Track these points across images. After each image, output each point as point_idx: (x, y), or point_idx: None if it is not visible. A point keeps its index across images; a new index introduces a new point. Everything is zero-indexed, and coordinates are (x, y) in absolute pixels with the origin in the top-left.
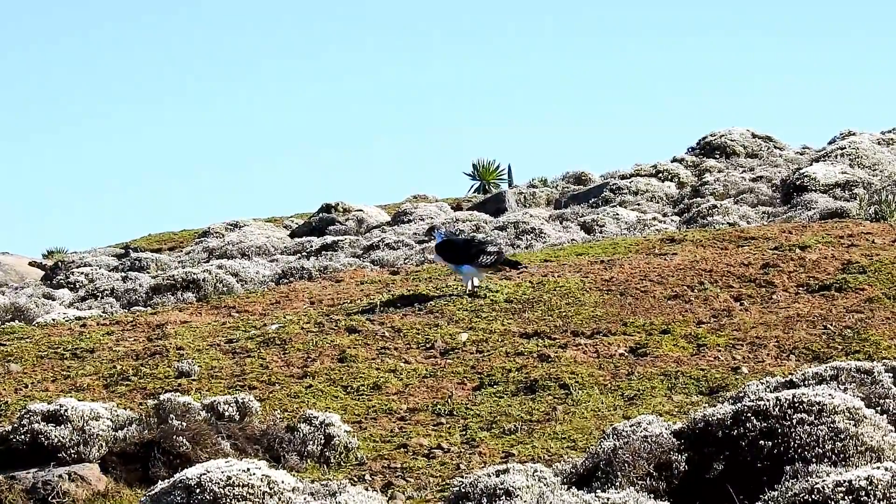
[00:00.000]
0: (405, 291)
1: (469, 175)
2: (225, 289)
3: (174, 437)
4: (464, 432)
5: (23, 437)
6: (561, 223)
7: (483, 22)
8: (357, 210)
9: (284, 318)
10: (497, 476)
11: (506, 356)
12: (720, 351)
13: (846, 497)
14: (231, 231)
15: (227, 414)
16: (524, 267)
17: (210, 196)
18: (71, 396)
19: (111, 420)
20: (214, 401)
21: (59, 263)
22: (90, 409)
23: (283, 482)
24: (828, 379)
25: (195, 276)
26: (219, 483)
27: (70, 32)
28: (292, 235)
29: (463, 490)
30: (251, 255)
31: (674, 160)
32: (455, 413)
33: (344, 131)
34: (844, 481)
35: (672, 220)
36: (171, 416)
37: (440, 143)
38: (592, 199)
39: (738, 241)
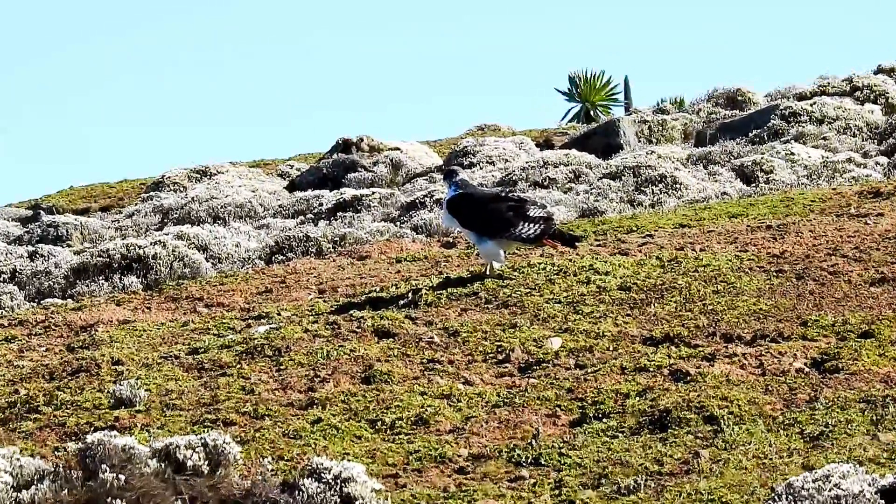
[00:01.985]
0: (465, 273)
1: (564, 94)
2: (187, 270)
3: (109, 499)
4: (556, 492)
5: None
6: (705, 167)
7: None
8: (392, 149)
9: (279, 315)
10: None
11: (620, 373)
12: None
13: None
14: (198, 182)
15: (190, 464)
16: (579, 242)
17: (168, 136)
18: None
19: (11, 475)
20: (171, 444)
21: None
22: None
23: None
24: None
25: (141, 252)
26: None
27: None
28: (292, 188)
29: None
30: (228, 218)
31: (879, 70)
32: (543, 462)
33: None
34: None
35: (877, 164)
36: (104, 466)
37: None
38: (754, 131)
39: None
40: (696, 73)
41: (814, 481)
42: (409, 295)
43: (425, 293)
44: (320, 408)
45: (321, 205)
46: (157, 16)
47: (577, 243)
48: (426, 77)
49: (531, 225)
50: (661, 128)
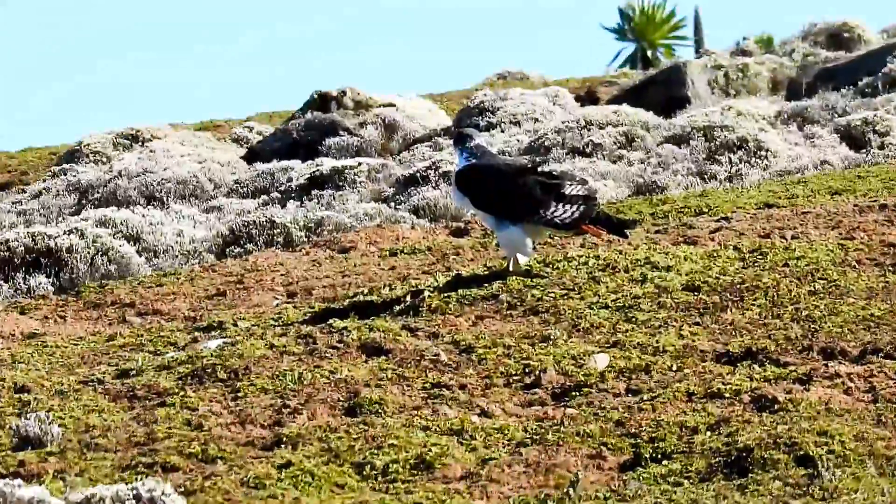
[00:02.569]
0: (481, 270)
1: (612, 31)
2: (114, 268)
3: None
4: None
5: None
6: (800, 128)
7: None
8: (384, 105)
9: (236, 326)
10: None
11: (686, 401)
12: None
13: None
14: (127, 150)
15: None
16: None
17: (86, 90)
18: None
19: None
20: (93, 496)
21: None
22: None
23: None
24: None
25: (52, 244)
26: None
27: None
28: (252, 158)
29: None
30: (167, 198)
31: None
32: None
33: None
34: None
35: None
36: None
37: None
38: (865, 79)
39: None
40: (786, 4)
41: None
42: (408, 298)
43: (429, 296)
44: (290, 448)
45: (290, 180)
46: None
47: (628, 230)
48: (429, 14)
49: (567, 206)
50: (741, 75)
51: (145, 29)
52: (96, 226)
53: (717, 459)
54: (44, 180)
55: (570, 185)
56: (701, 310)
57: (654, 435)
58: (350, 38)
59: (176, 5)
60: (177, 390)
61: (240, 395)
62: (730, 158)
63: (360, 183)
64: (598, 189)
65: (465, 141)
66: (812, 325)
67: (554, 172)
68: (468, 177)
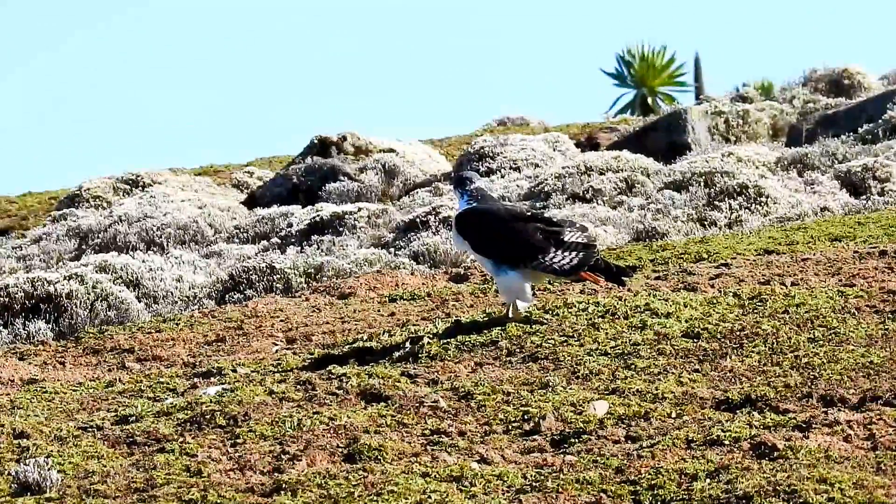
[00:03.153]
0: (480, 316)
1: (613, 77)
2: (113, 314)
3: None
4: None
5: None
6: (800, 174)
7: None
8: (384, 150)
9: (235, 372)
10: None
11: (686, 448)
12: None
13: None
14: (127, 195)
15: None
16: (633, 274)
17: (88, 136)
18: None
19: None
20: None
21: None
22: None
23: None
24: None
25: (52, 289)
26: None
27: None
28: (252, 203)
29: None
30: (167, 243)
31: None
32: None
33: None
34: None
35: None
36: None
37: (545, 21)
38: (866, 125)
39: None
40: (785, 50)
41: None
42: (407, 345)
43: (428, 342)
44: (289, 494)
45: (290, 225)
46: None
47: (626, 278)
48: (428, 59)
49: (567, 252)
50: (741, 121)
51: (143, 72)
52: (96, 271)
53: None
54: (44, 225)
55: (570, 231)
56: (700, 357)
57: (653, 482)
58: (350, 81)
59: (172, 49)
60: (176, 436)
61: (239, 441)
62: (730, 205)
63: (360, 228)
64: (597, 236)
65: (465, 184)
66: (811, 373)
67: (554, 219)
68: (468, 220)
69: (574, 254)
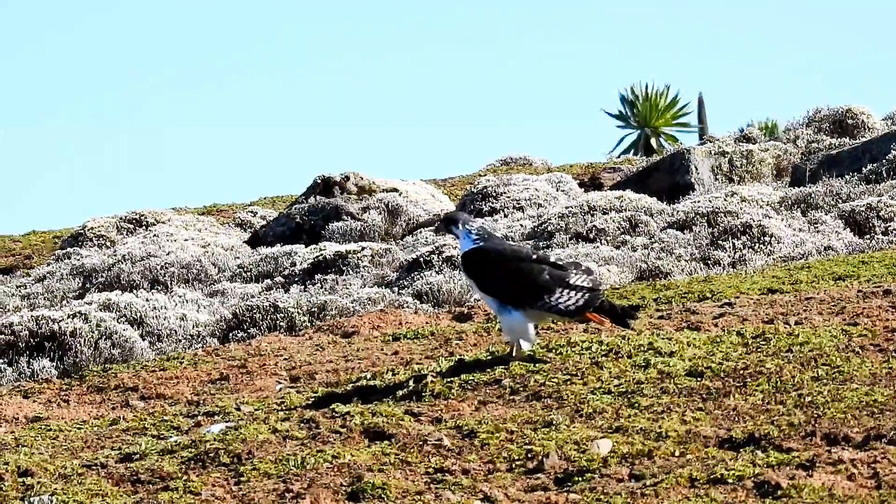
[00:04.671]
0: (483, 355)
1: (615, 117)
2: (117, 352)
3: None
4: None
5: None
6: (804, 213)
7: None
8: (387, 190)
9: (238, 410)
10: None
11: (689, 486)
12: None
13: None
14: (131, 234)
15: None
16: (637, 315)
17: (92, 175)
18: None
19: None
20: None
21: None
22: None
23: None
24: None
25: (56, 328)
26: None
27: None
28: (255, 242)
29: None
30: (171, 282)
31: None
32: None
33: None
34: None
35: None
36: None
37: (548, 63)
38: (869, 166)
39: None
40: (789, 90)
41: None
42: (411, 383)
43: (431, 381)
44: None
45: (294, 264)
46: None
47: (632, 319)
48: (431, 99)
49: (572, 293)
50: (745, 161)
51: (146, 113)
52: (100, 310)
53: None
54: (48, 264)
55: (576, 274)
56: (704, 395)
57: None
58: (354, 121)
59: (175, 88)
60: (180, 474)
61: (243, 479)
62: (733, 244)
63: (363, 267)
64: (602, 276)
65: (465, 223)
66: (815, 411)
67: (559, 262)
68: (475, 259)
69: (579, 294)
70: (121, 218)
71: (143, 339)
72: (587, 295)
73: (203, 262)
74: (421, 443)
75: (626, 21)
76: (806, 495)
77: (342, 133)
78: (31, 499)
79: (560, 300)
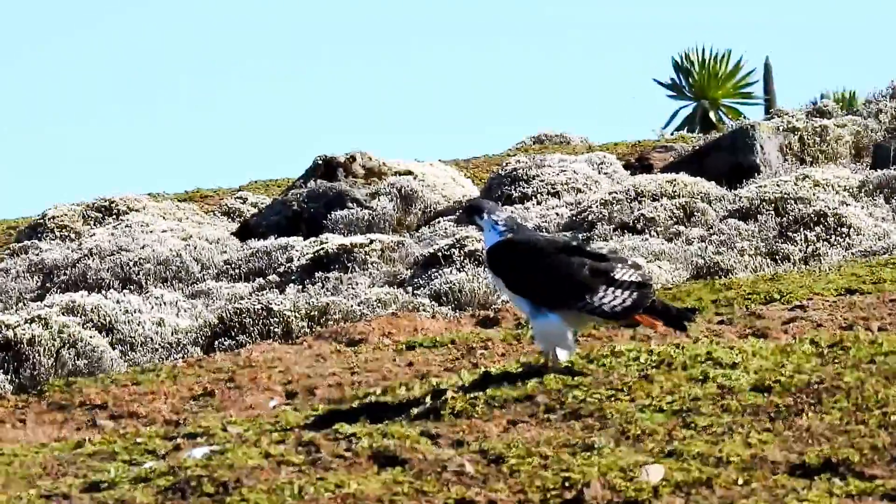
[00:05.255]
0: (513, 366)
1: (667, 87)
2: (83, 363)
3: None
4: None
5: None
6: (888, 200)
7: None
8: (400, 172)
9: (225, 431)
10: None
11: None
12: None
13: None
14: (99, 224)
15: None
16: (693, 316)
17: (54, 157)
18: None
19: None
20: None
21: None
22: None
23: None
24: None
25: (11, 334)
26: None
27: None
28: (245, 233)
29: None
30: (146, 281)
31: None
32: None
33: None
34: None
35: None
36: None
37: (588, 30)
38: None
39: None
40: (870, 56)
41: None
42: (428, 400)
43: (452, 397)
44: None
45: (290, 260)
46: None
47: (688, 322)
48: (451, 69)
49: (618, 291)
50: (819, 139)
51: (116, 86)
52: (63, 313)
53: None
54: (1, 259)
55: (622, 268)
56: (772, 414)
57: None
58: (361, 95)
59: (151, 59)
60: None
61: None
62: (805, 236)
63: (371, 264)
64: (652, 273)
65: (492, 212)
66: None
67: (602, 253)
68: (502, 254)
69: (627, 293)
70: (87, 205)
71: (114, 349)
72: (636, 293)
73: (184, 257)
74: (439, 469)
75: None
76: None
77: (347, 108)
78: None
79: (605, 300)
